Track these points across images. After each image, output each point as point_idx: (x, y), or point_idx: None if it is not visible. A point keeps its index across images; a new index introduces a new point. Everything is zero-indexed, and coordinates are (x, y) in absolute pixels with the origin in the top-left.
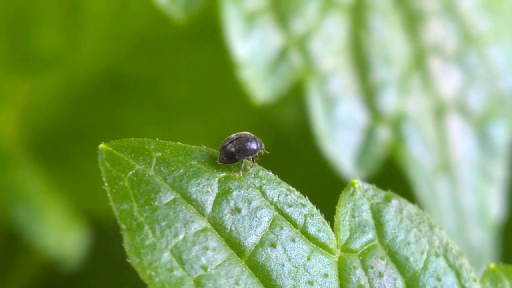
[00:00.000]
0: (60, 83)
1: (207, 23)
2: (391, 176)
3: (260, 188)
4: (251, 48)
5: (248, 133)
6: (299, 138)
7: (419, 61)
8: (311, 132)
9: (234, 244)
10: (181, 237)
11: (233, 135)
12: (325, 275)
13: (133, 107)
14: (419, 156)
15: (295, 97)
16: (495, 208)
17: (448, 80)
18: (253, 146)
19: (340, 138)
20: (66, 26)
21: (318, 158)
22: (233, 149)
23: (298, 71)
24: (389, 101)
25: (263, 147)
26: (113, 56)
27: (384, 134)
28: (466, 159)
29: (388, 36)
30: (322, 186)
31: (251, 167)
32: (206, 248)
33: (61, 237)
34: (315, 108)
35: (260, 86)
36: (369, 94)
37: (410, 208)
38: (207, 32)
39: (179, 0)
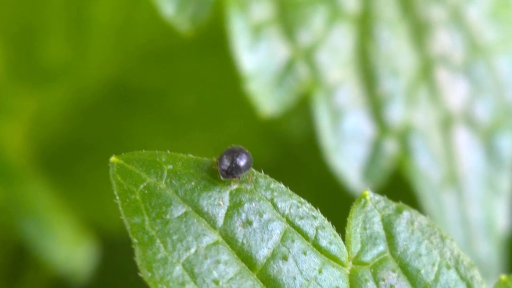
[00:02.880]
0: (67, 96)
1: (214, 34)
2: (397, 189)
3: (271, 200)
4: (257, 60)
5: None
6: (306, 150)
7: (426, 72)
8: (318, 144)
9: (245, 257)
10: (192, 250)
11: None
12: None
13: (140, 118)
14: (426, 169)
15: (301, 109)
16: (502, 220)
17: (455, 91)
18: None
19: (347, 151)
20: (72, 38)
21: (325, 170)
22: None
23: (305, 83)
24: (396, 113)
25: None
26: (120, 68)
27: (391, 146)
28: (473, 171)
29: (395, 47)
30: (328, 198)
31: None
32: (218, 262)
33: (70, 251)
34: (322, 121)
35: (267, 99)
36: (376, 106)
37: (421, 219)
38: (213, 43)
39: (185, 12)
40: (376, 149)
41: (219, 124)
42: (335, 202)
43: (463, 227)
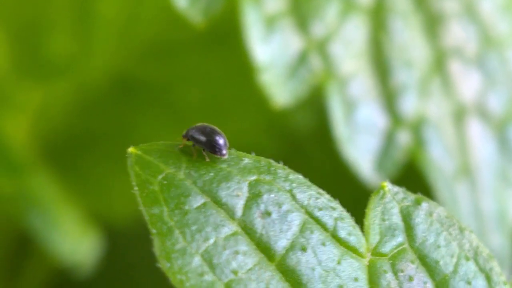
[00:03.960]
0: (72, 89)
1: (220, 28)
2: (409, 181)
3: (290, 191)
4: (271, 52)
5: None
6: (312, 144)
7: (439, 64)
8: (327, 136)
9: (264, 248)
10: (211, 241)
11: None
12: (356, 279)
13: (145, 113)
14: (439, 160)
15: (308, 103)
16: None
17: (468, 83)
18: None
19: (360, 142)
20: (77, 32)
21: (332, 164)
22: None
23: (318, 75)
24: (409, 104)
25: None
26: (125, 62)
27: (404, 138)
28: (486, 162)
29: (408, 39)
30: (336, 191)
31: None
32: (237, 252)
33: (75, 243)
34: (335, 112)
35: (280, 90)
36: (389, 97)
37: (440, 211)
38: (219, 37)
39: (198, 4)
40: (389, 140)
41: (224, 118)
42: (342, 195)
43: (476, 218)
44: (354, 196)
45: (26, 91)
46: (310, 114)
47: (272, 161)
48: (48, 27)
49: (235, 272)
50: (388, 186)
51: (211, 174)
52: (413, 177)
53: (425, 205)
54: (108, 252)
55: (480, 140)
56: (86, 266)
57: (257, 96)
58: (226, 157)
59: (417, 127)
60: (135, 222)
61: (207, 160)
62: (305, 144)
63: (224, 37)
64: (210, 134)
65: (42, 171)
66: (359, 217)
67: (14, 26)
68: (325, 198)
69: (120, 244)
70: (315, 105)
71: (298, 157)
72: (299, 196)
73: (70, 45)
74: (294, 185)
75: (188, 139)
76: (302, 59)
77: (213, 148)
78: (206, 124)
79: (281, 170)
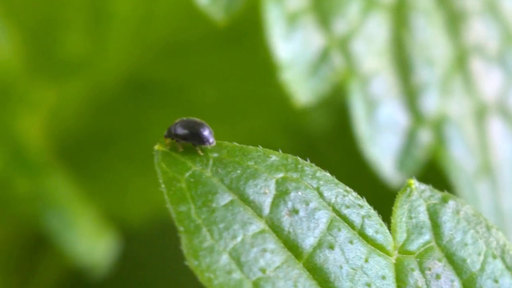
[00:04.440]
0: (87, 89)
1: (235, 26)
2: (429, 179)
3: (317, 189)
4: (292, 49)
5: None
6: (327, 144)
7: (461, 62)
8: (343, 136)
9: (292, 246)
10: (239, 239)
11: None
12: (383, 277)
13: (159, 112)
14: (461, 158)
15: (325, 102)
16: None
17: (489, 82)
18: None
19: (382, 141)
20: (92, 31)
21: (348, 163)
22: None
23: (339, 72)
24: (431, 103)
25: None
26: (139, 61)
27: (425, 136)
28: (507, 161)
29: (430, 37)
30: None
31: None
32: (265, 250)
33: (91, 244)
34: (357, 111)
35: (302, 88)
36: (411, 96)
37: (467, 209)
38: (234, 35)
39: (219, 1)
40: (410, 139)
41: (240, 118)
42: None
43: (497, 216)
44: (372, 196)
45: (40, 90)
46: (326, 113)
47: (299, 158)
48: (63, 26)
49: (263, 270)
50: (415, 183)
51: (238, 171)
52: (432, 176)
53: (452, 203)
54: (122, 252)
55: (501, 139)
56: (101, 266)
57: (273, 95)
58: (214, 144)
59: (439, 126)
60: (149, 223)
61: (201, 154)
62: (321, 143)
63: (239, 35)
64: (193, 127)
65: (58, 171)
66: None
67: (29, 25)
68: (352, 196)
69: (134, 245)
70: (331, 104)
71: (314, 156)
72: (326, 193)
73: (84, 44)
74: (321, 182)
75: (172, 138)
76: (323, 56)
77: (200, 139)
78: (184, 118)
79: (308, 167)
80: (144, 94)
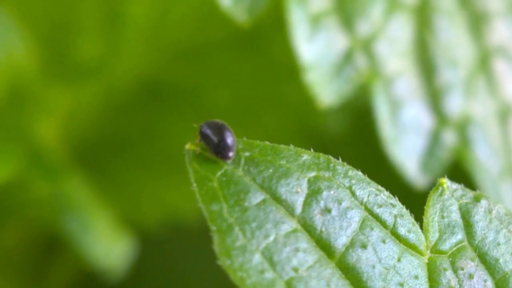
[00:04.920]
0: (101, 92)
1: (250, 30)
2: (453, 181)
3: (350, 188)
4: (316, 50)
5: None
6: (345, 146)
7: (484, 63)
8: (359, 139)
9: (324, 245)
10: (271, 238)
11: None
12: (416, 277)
13: (174, 115)
14: (485, 160)
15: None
16: None
17: None
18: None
19: (406, 142)
20: (107, 35)
21: (364, 166)
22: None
23: (363, 74)
24: (454, 104)
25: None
26: (154, 65)
27: (450, 137)
28: None
29: (453, 38)
30: None
31: None
32: (297, 250)
33: (108, 247)
34: (381, 112)
35: (326, 90)
36: (434, 97)
37: (499, 208)
38: (249, 39)
39: (242, 3)
40: (435, 140)
41: (254, 121)
42: None
43: None
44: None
45: (55, 94)
46: (342, 116)
47: (331, 157)
48: (77, 30)
49: (295, 269)
50: (447, 183)
51: (270, 170)
52: (456, 178)
53: (484, 202)
54: (137, 256)
55: None
56: (117, 270)
57: (288, 98)
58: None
59: (463, 127)
60: (164, 227)
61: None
62: (336, 146)
63: (254, 38)
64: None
65: (75, 174)
66: None
67: (43, 28)
68: (384, 195)
69: (148, 248)
70: (347, 107)
71: None
72: (359, 192)
73: (99, 48)
74: (353, 181)
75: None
76: (347, 58)
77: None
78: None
79: (340, 166)
80: (159, 97)
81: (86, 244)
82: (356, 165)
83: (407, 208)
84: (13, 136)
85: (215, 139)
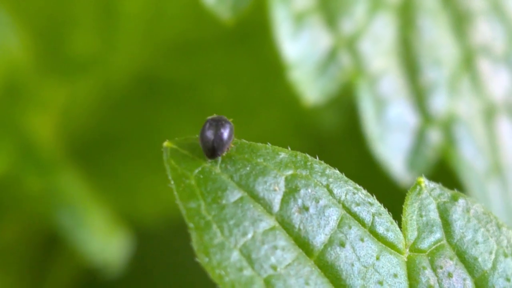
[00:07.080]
0: (97, 87)
1: (246, 26)
2: (439, 180)
3: (327, 186)
4: (300, 49)
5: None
6: (338, 143)
7: (468, 62)
8: (355, 136)
9: (302, 243)
10: (249, 236)
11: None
12: (395, 275)
13: (169, 111)
14: (471, 159)
15: (337, 101)
16: None
17: (497, 82)
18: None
19: (392, 141)
20: (102, 30)
21: (360, 163)
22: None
23: (347, 72)
24: (439, 103)
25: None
26: (149, 60)
27: (435, 136)
28: None
29: (436, 37)
30: None
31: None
32: (275, 247)
33: (104, 243)
34: (366, 110)
35: (310, 88)
36: (419, 96)
37: (477, 207)
38: (245, 35)
39: (226, 1)
40: (420, 138)
41: (251, 117)
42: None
43: (508, 216)
44: (382, 196)
45: (50, 88)
46: (338, 113)
47: (308, 155)
48: (73, 25)
49: (274, 267)
50: (424, 182)
51: (248, 168)
52: (442, 177)
53: (462, 201)
54: (134, 251)
55: (511, 138)
56: (114, 265)
57: (283, 94)
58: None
59: (448, 126)
60: (161, 222)
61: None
62: (331, 143)
63: (250, 35)
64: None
65: (69, 170)
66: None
67: (39, 23)
68: (362, 194)
69: (146, 244)
70: (343, 104)
71: (324, 156)
72: (336, 191)
73: (95, 43)
74: (331, 180)
75: None
76: (331, 56)
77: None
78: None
79: (318, 165)
80: (155, 93)
81: (81, 240)
82: (351, 162)
83: (387, 206)
84: (5, 131)
85: (200, 137)
